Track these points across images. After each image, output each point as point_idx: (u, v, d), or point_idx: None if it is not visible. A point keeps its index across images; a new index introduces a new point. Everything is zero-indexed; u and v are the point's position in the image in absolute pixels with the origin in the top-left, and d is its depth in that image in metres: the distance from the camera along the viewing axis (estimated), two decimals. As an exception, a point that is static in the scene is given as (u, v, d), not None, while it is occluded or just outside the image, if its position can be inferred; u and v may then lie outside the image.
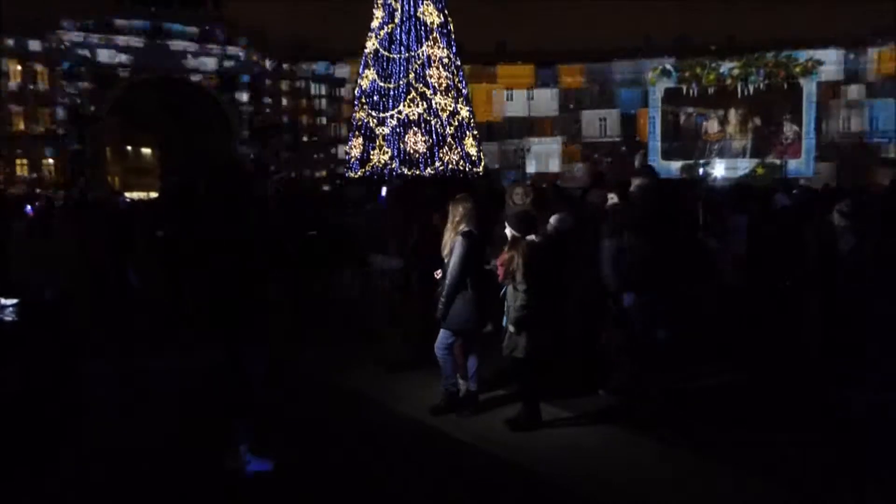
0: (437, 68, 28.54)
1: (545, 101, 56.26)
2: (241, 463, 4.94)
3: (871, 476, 4.86)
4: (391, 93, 28.59)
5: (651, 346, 6.39)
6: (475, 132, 31.10)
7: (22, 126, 45.61)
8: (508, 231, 6.00)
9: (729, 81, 53.30)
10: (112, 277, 9.24)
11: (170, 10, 47.06)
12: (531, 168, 55.23)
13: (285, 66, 53.41)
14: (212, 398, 5.79)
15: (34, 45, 44.72)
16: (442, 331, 6.16)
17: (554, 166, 55.36)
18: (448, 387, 6.24)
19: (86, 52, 45.29)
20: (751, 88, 52.99)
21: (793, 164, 50.96)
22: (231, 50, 49.75)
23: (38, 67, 45.42)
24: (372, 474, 5.10)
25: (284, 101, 54.22)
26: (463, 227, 6.04)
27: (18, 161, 45.82)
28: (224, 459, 5.01)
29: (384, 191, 15.08)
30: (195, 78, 48.78)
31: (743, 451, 5.34)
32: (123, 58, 46.19)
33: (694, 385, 7.02)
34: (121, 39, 46.02)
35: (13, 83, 44.82)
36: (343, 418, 6.24)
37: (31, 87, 45.42)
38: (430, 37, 28.53)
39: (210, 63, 48.90)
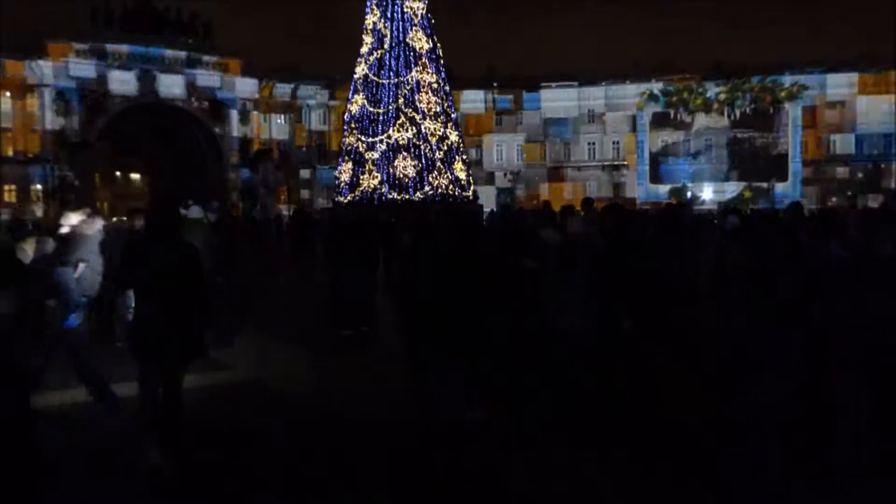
0: (427, 93, 28.75)
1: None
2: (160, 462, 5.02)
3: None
4: (380, 117, 28.77)
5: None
6: (464, 156, 31.27)
7: (10, 152, 45.46)
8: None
9: (716, 106, 53.93)
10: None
11: (160, 37, 47.32)
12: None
13: (275, 89, 53.54)
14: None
15: (24, 69, 44.73)
16: None
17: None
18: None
19: (76, 78, 45.34)
20: (737, 113, 53.64)
21: (780, 188, 51.43)
22: (221, 75, 49.92)
23: (28, 93, 45.38)
24: (351, 494, 5.03)
25: (275, 125, 54.23)
26: None
27: (7, 187, 45.59)
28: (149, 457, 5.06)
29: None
30: (185, 103, 48.87)
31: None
32: (114, 83, 46.26)
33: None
34: (111, 65, 46.09)
35: (2, 108, 44.73)
36: (319, 436, 6.18)
37: (21, 112, 45.37)
38: (419, 62, 28.79)
39: (200, 88, 49.03)
